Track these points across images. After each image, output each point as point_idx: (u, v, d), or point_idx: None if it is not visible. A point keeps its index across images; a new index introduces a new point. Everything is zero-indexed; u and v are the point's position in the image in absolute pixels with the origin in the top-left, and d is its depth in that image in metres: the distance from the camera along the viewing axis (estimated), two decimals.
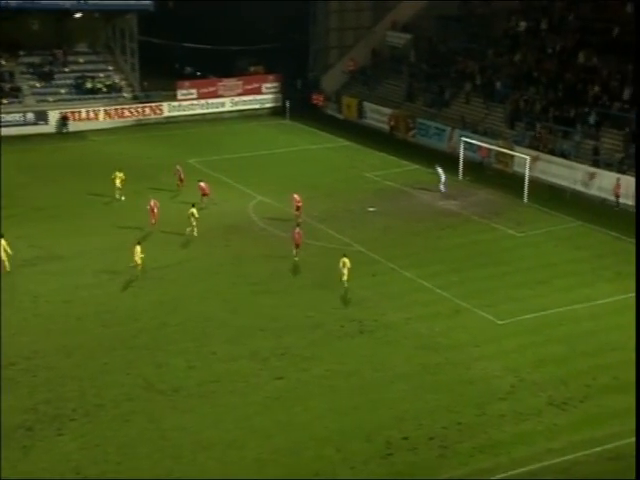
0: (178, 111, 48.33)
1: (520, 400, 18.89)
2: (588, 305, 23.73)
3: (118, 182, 32.56)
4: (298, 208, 30.11)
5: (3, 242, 25.20)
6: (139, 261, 25.33)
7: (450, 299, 24.42)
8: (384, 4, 52.73)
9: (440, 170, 34.51)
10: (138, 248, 25.44)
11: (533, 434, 17.60)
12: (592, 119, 36.87)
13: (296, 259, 26.91)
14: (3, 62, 46.38)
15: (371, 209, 32.50)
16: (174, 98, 48.18)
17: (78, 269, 26.14)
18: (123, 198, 32.55)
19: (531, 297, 24.48)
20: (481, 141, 38.73)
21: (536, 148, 37.41)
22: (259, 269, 26.69)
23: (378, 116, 47.47)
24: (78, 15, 47.63)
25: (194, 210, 28.56)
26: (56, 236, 28.85)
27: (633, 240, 28.60)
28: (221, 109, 49.76)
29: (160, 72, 50.07)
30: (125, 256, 27.24)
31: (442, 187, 34.24)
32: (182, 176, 33.06)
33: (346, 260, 25.03)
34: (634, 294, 24.11)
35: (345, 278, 24.49)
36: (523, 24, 45.47)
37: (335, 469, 16.61)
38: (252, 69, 53.72)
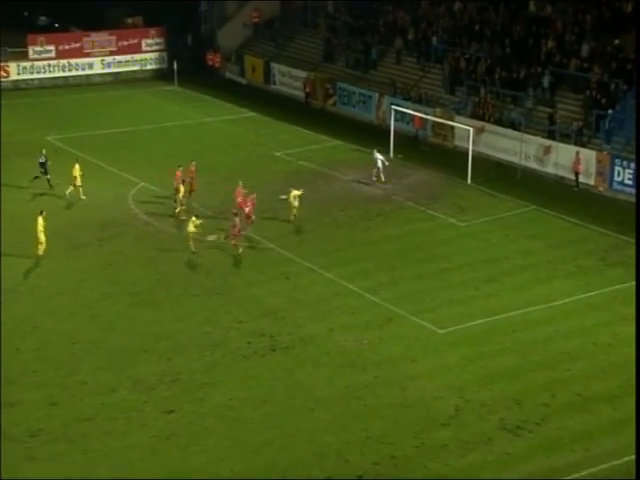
0: (30, 74, 47.12)
1: (466, 425, 19.43)
2: (544, 307, 24.67)
3: (77, 177, 31.34)
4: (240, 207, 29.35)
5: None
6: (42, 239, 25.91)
7: (380, 304, 24.84)
8: None
9: (379, 156, 34.35)
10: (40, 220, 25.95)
11: (482, 465, 18.16)
12: (546, 81, 38.30)
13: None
14: None
15: (283, 197, 32.53)
16: (25, 57, 46.93)
17: None
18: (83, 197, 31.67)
19: (477, 299, 25.23)
20: (415, 110, 39.62)
21: (481, 117, 38.65)
22: (140, 275, 26.36)
23: (290, 80, 47.77)
24: None
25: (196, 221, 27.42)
26: None
27: (595, 227, 30.05)
28: (88, 72, 48.87)
29: (4, 22, 48.40)
30: None
31: (382, 177, 34.21)
32: (242, 202, 29.56)
33: (297, 193, 29.25)
34: (598, 291, 25.32)
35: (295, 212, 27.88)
36: None
37: None
38: (129, 21, 52.89)
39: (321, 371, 21.55)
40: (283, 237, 29.27)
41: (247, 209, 28.92)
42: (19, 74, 46.76)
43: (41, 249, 26.74)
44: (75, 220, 29.65)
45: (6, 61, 46.38)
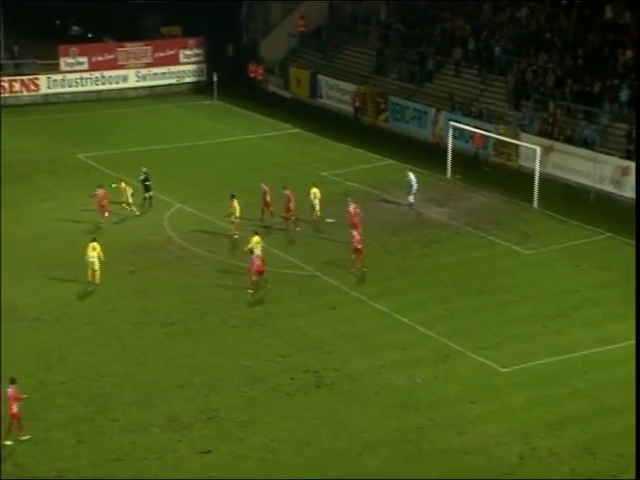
0: (61, 87, 48.31)
1: (532, 476, 19.27)
2: (620, 345, 24.41)
3: (128, 192, 32.44)
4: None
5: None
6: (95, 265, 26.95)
7: (436, 339, 24.84)
8: None
9: (412, 177, 34.66)
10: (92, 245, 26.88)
11: None
12: (624, 95, 38.03)
13: (250, 292, 27.11)
14: None
15: (330, 220, 32.89)
16: (56, 69, 48.23)
17: None
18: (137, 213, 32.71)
19: (543, 335, 25.12)
20: (475, 127, 39.68)
21: (549, 135, 38.55)
22: (175, 304, 26.72)
23: (338, 94, 48.24)
24: None
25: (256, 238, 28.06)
26: None
27: None
28: (122, 85, 49.96)
29: (35, 32, 49.86)
30: None
31: (411, 198, 34.66)
32: (268, 198, 31.91)
33: (316, 190, 31.29)
34: None
35: (318, 212, 29.89)
36: None
37: None
38: (165, 31, 53.99)
39: (370, 411, 21.59)
40: (329, 264, 29.49)
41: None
42: (49, 87, 48.00)
43: (96, 274, 27.36)
44: (107, 244, 30.09)
45: (36, 73, 47.72)
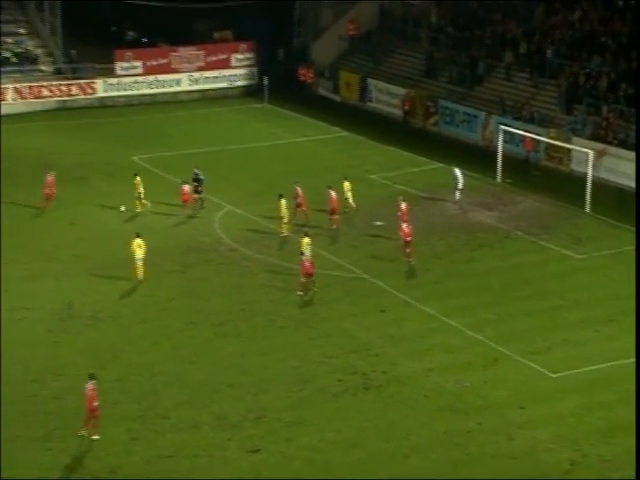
0: (117, 90, 48.97)
1: None
2: None
3: (141, 189, 32.98)
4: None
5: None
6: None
7: (484, 343, 24.67)
8: None
9: (458, 173, 34.81)
10: (137, 242, 27.30)
11: None
12: None
13: (300, 294, 27.23)
14: None
15: (378, 223, 32.87)
16: (111, 73, 48.87)
17: None
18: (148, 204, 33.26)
19: (595, 341, 24.80)
20: (526, 131, 39.31)
21: (602, 139, 38.02)
22: (225, 304, 26.89)
23: (387, 98, 48.18)
24: None
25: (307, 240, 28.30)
26: None
27: None
28: (176, 88, 50.47)
29: (92, 37, 50.55)
30: (45, 287, 27.51)
31: (457, 195, 34.69)
32: (300, 200, 32.23)
33: (348, 184, 32.63)
34: None
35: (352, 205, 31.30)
36: None
37: None
38: (217, 35, 54.45)
39: (418, 414, 21.52)
40: (378, 266, 29.46)
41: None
42: (105, 91, 48.72)
43: (140, 270, 27.78)
44: (158, 245, 30.54)
45: (92, 77, 48.47)
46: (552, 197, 35.71)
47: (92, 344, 24.53)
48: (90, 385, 20.24)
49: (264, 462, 19.63)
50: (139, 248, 27.74)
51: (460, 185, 34.85)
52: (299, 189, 32.27)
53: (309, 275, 27.04)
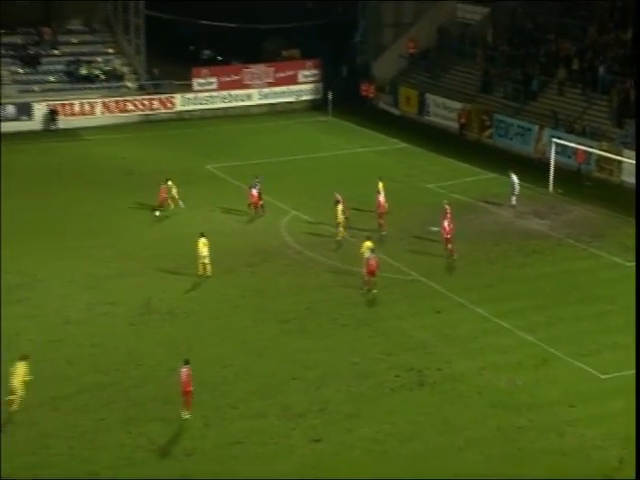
0: (194, 105, 49.55)
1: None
2: None
3: (174, 191, 33.70)
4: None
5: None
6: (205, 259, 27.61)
7: (536, 344, 24.35)
8: None
9: (515, 178, 34.56)
10: (202, 241, 27.67)
11: None
12: None
13: (366, 290, 27.30)
14: None
15: (434, 229, 32.59)
16: (189, 89, 49.44)
17: (68, 300, 26.84)
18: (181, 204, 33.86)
19: None
20: (578, 143, 38.64)
21: None
22: (290, 303, 27.01)
23: (444, 112, 47.86)
24: None
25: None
26: (40, 259, 29.73)
27: None
28: (247, 102, 50.85)
29: (172, 56, 51.52)
30: (127, 284, 28.02)
31: (513, 200, 34.43)
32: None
33: (382, 184, 32.42)
34: None
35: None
36: None
37: None
38: (285, 53, 54.79)
39: (471, 410, 21.32)
40: (434, 270, 29.27)
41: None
42: (183, 105, 49.29)
43: (207, 267, 28.07)
44: (229, 247, 30.91)
45: (172, 93, 49.12)
46: (602, 207, 35.04)
47: (169, 337, 24.89)
48: (185, 370, 20.58)
49: (325, 451, 19.69)
50: (204, 247, 27.99)
51: (516, 191, 34.56)
52: (381, 198, 32.19)
53: (372, 274, 26.97)
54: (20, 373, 20.56)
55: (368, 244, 27.92)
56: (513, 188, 34.64)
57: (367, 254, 27.41)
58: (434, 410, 21.32)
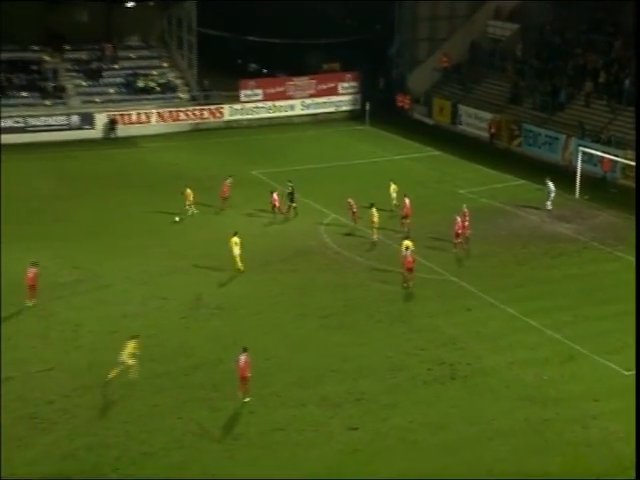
0: (241, 114, 49.84)
1: None
2: None
3: (191, 198, 33.93)
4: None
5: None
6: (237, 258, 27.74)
7: (562, 342, 24.01)
8: None
9: (551, 185, 34.22)
10: (234, 239, 27.86)
11: None
12: None
13: (405, 286, 27.45)
14: (47, 58, 48.84)
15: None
16: (237, 100, 49.74)
17: (124, 295, 27.16)
18: (195, 211, 34.04)
19: None
20: (604, 152, 38.01)
21: None
22: (329, 300, 26.98)
23: (476, 121, 47.47)
24: (130, 4, 49.98)
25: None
26: (100, 257, 30.09)
27: None
28: (290, 113, 50.95)
29: (221, 69, 51.79)
30: (176, 282, 28.23)
31: (549, 204, 34.06)
32: (355, 209, 32.72)
33: (395, 187, 33.53)
34: None
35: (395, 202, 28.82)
36: None
37: None
38: (326, 66, 54.83)
39: (500, 403, 21.08)
40: (465, 270, 29.05)
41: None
42: (231, 115, 49.57)
43: (238, 262, 28.12)
44: (271, 247, 30.98)
45: (221, 103, 49.42)
46: (627, 212, 34.34)
47: (216, 330, 25.01)
48: (243, 357, 20.78)
49: (361, 438, 19.61)
50: (236, 245, 28.07)
51: (552, 196, 34.18)
52: (407, 201, 32.22)
53: (409, 270, 27.00)
54: (129, 347, 21.56)
55: (407, 243, 27.81)
56: (550, 193, 34.22)
57: (405, 252, 27.31)
58: (464, 402, 21.12)
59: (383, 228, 32.07)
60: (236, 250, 28.20)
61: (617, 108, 41.82)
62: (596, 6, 47.81)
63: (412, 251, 27.46)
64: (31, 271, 25.80)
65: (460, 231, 30.19)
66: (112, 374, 21.43)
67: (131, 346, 21.70)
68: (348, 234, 32.57)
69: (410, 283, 27.38)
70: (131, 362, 21.62)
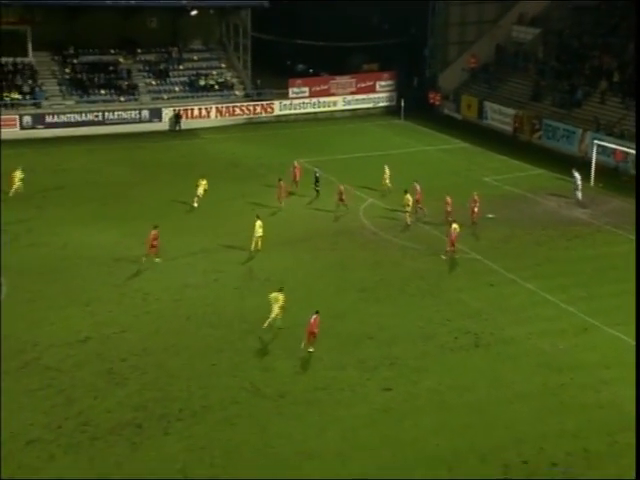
0: (289, 110, 49.54)
1: None
2: None
3: (201, 189, 33.03)
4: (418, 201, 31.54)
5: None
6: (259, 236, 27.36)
7: (577, 315, 23.55)
8: None
9: (577, 175, 33.23)
10: (259, 222, 27.51)
11: None
12: None
13: (443, 257, 27.49)
14: (122, 60, 49.45)
15: (490, 216, 31.84)
16: (285, 96, 49.43)
17: (187, 268, 27.30)
18: (196, 205, 32.84)
19: None
20: (617, 144, 36.94)
21: None
22: (366, 275, 26.80)
23: (500, 117, 46.49)
24: (194, 12, 50.06)
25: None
26: (166, 235, 30.12)
27: None
28: (333, 108, 50.54)
29: (272, 69, 51.66)
30: (232, 257, 28.33)
31: (579, 194, 33.03)
32: (344, 197, 31.89)
33: (388, 169, 32.50)
34: None
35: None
36: None
37: None
38: (366, 66, 54.27)
39: (520, 369, 20.78)
40: (490, 250, 28.57)
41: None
42: (280, 110, 49.32)
43: (259, 243, 27.75)
44: (315, 228, 30.82)
45: (271, 100, 49.23)
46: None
47: (266, 300, 24.85)
48: (315, 316, 21.23)
49: (394, 399, 19.51)
50: (259, 228, 27.71)
51: (580, 186, 33.08)
52: (418, 187, 31.67)
53: (452, 244, 27.12)
54: (279, 299, 22.42)
55: (455, 226, 27.55)
56: (576, 184, 33.13)
57: (452, 232, 27.36)
58: (487, 368, 20.87)
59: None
60: (259, 231, 27.71)
61: (630, 105, 40.54)
62: (611, 13, 46.40)
63: (458, 232, 27.33)
64: (153, 233, 26.91)
65: (450, 209, 29.85)
66: (266, 323, 22.09)
67: (280, 297, 22.39)
68: (385, 217, 32.21)
69: (450, 254, 27.35)
70: (279, 310, 22.30)
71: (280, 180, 33.14)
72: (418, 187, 31.81)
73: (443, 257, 27.42)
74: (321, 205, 33.57)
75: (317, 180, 34.38)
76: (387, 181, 34.16)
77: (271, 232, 30.11)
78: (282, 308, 22.45)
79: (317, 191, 34.18)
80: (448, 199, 30.95)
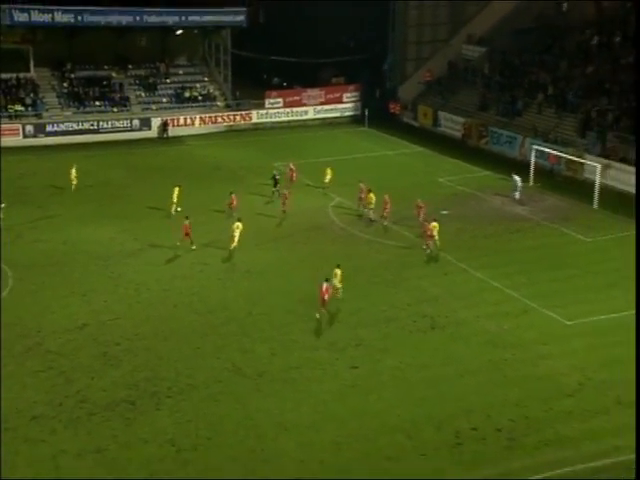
0: (265, 118, 49.26)
1: (587, 398, 18.23)
2: None
3: (175, 196, 31.72)
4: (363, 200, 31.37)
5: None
6: (236, 238, 26.69)
7: (519, 299, 23.81)
8: (460, 18, 51.96)
9: (517, 178, 33.50)
10: (238, 224, 27.03)
11: (600, 431, 16.94)
12: None
13: (424, 248, 27.31)
14: (114, 75, 48.80)
15: (444, 212, 32.02)
16: (262, 106, 49.14)
17: (175, 261, 27.03)
18: (179, 209, 31.35)
19: (601, 300, 23.53)
20: (552, 149, 37.42)
21: (607, 157, 35.80)
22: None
23: (452, 124, 46.76)
24: (179, 32, 49.49)
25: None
26: (154, 230, 29.95)
27: None
28: (305, 117, 50.34)
29: (250, 82, 51.44)
30: (216, 251, 28.07)
31: (517, 194, 33.31)
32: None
33: (330, 170, 32.54)
34: None
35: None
36: (596, 39, 43.68)
37: (406, 455, 16.51)
38: (334, 80, 54.15)
39: (469, 347, 21.00)
40: (444, 243, 28.52)
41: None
42: (258, 119, 48.98)
43: (232, 246, 26.93)
44: (290, 223, 30.72)
45: (249, 109, 48.84)
46: (570, 197, 33.98)
47: (246, 289, 24.88)
48: (325, 284, 21.58)
49: (360, 375, 19.59)
50: (237, 229, 26.99)
51: (519, 188, 33.19)
52: (363, 186, 31.46)
53: (430, 237, 27.07)
54: (338, 275, 23.03)
55: (434, 224, 27.35)
56: (516, 186, 33.35)
57: (434, 232, 27.19)
58: (442, 347, 21.03)
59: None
60: (237, 233, 27.09)
61: (562, 115, 41.19)
62: (547, 34, 47.01)
63: (437, 229, 27.16)
64: (185, 224, 26.80)
65: (388, 207, 29.81)
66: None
67: (339, 273, 22.76)
68: (351, 214, 32.21)
69: (430, 247, 27.19)
70: (340, 285, 22.83)
71: (286, 191, 32.15)
72: (363, 186, 31.67)
73: (425, 248, 27.21)
74: (296, 203, 33.34)
75: (276, 182, 33.70)
76: (327, 180, 34.17)
77: (249, 230, 29.93)
78: (341, 282, 22.92)
79: (276, 191, 33.46)
80: (386, 197, 30.64)
